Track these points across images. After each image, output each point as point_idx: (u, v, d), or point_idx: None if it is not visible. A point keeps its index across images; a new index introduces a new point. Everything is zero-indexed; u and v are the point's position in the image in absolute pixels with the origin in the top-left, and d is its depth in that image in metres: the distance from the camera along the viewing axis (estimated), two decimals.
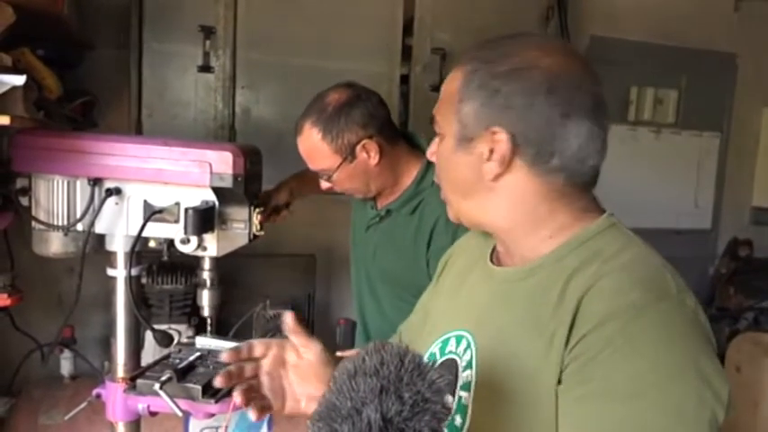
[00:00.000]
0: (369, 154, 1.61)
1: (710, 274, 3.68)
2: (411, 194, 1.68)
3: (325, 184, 1.69)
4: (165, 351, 1.56)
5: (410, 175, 1.69)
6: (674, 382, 0.74)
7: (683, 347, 0.76)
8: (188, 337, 2.32)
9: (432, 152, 1.00)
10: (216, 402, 1.38)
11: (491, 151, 0.88)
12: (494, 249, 1.03)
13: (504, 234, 0.95)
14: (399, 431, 0.64)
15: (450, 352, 0.96)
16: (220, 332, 2.42)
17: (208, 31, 2.56)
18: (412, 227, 1.66)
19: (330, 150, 1.60)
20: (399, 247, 1.70)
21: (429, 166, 1.66)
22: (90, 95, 2.14)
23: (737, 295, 3.42)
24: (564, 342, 0.80)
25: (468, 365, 0.91)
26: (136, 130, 2.52)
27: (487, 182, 0.90)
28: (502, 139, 0.87)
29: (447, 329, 0.99)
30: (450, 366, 0.95)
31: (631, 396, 0.73)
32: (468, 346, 0.93)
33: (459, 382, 0.92)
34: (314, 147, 1.62)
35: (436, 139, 0.98)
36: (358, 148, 1.60)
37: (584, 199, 0.93)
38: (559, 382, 0.80)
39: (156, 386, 1.38)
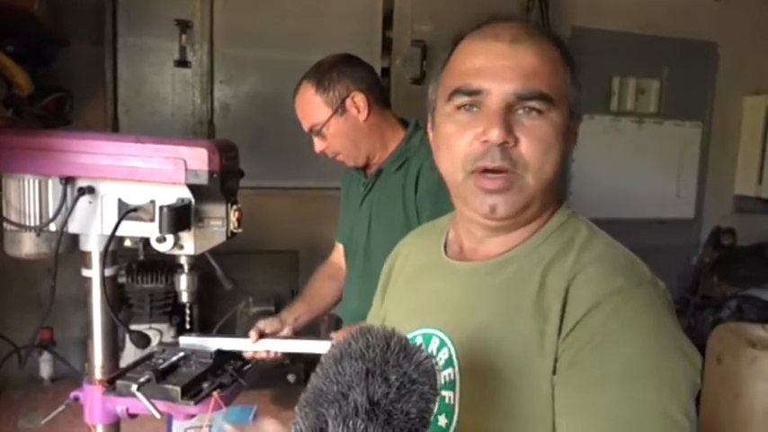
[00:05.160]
0: (358, 107, 1.70)
1: (694, 264, 3.70)
2: (399, 153, 1.75)
3: (318, 146, 1.75)
4: (146, 352, 1.54)
5: (397, 139, 1.78)
6: (665, 361, 0.77)
7: (666, 327, 0.80)
8: (172, 337, 2.29)
9: (539, 125, 0.84)
10: (195, 403, 1.36)
11: (575, 138, 0.91)
12: (445, 245, 1.01)
13: (520, 226, 0.92)
14: (386, 413, 0.63)
15: None
16: (203, 330, 2.40)
17: (184, 25, 2.53)
18: (400, 180, 1.73)
19: (322, 102, 1.70)
20: (392, 205, 1.74)
21: (415, 129, 1.76)
22: (63, 92, 2.09)
23: (721, 284, 3.43)
24: (557, 331, 0.80)
25: (449, 364, 0.89)
26: (112, 126, 2.49)
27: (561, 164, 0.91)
28: (578, 129, 0.92)
29: (410, 329, 0.96)
30: None
31: (629, 378, 0.76)
32: (443, 344, 0.91)
33: (440, 382, 0.90)
34: (307, 100, 1.72)
35: (534, 116, 0.84)
36: (348, 101, 1.70)
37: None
38: (554, 371, 0.79)
39: (134, 387, 1.36)
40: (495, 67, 0.85)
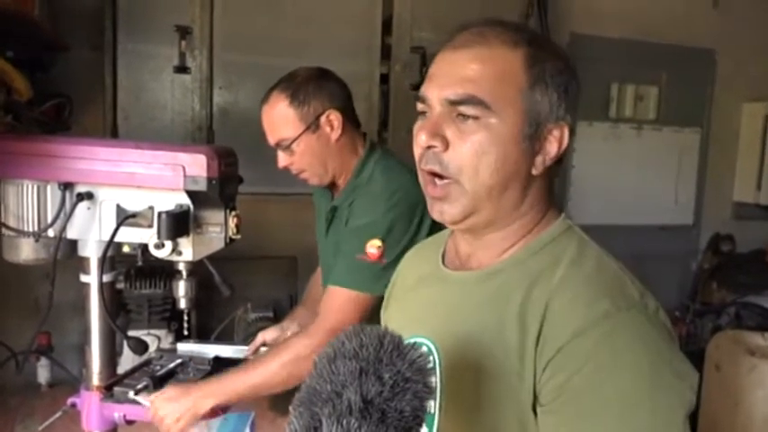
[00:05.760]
0: (332, 125, 1.61)
1: (693, 270, 3.70)
2: (351, 188, 1.67)
3: (283, 161, 1.65)
4: (143, 358, 1.54)
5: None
6: (659, 388, 0.76)
7: (658, 350, 0.78)
8: (170, 343, 2.29)
9: (472, 129, 0.84)
10: None
11: (558, 146, 0.87)
12: (444, 254, 1.01)
13: (487, 231, 0.91)
14: (380, 412, 0.63)
15: None
16: (201, 336, 2.40)
17: (184, 31, 2.53)
18: (345, 220, 1.65)
19: (295, 117, 1.60)
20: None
21: (370, 153, 1.66)
22: (62, 98, 2.10)
23: (720, 290, 3.43)
24: (534, 347, 0.79)
25: (431, 372, 0.89)
26: (111, 132, 2.49)
27: (529, 174, 0.87)
28: (565, 135, 0.87)
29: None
30: None
31: (624, 408, 0.75)
32: (429, 351, 0.90)
33: (435, 381, 0.90)
34: (279, 113, 1.61)
35: (470, 122, 0.85)
36: (323, 118, 1.60)
37: (551, 196, 0.93)
38: (536, 394, 0.79)
39: (131, 394, 1.36)
40: (438, 74, 0.88)
